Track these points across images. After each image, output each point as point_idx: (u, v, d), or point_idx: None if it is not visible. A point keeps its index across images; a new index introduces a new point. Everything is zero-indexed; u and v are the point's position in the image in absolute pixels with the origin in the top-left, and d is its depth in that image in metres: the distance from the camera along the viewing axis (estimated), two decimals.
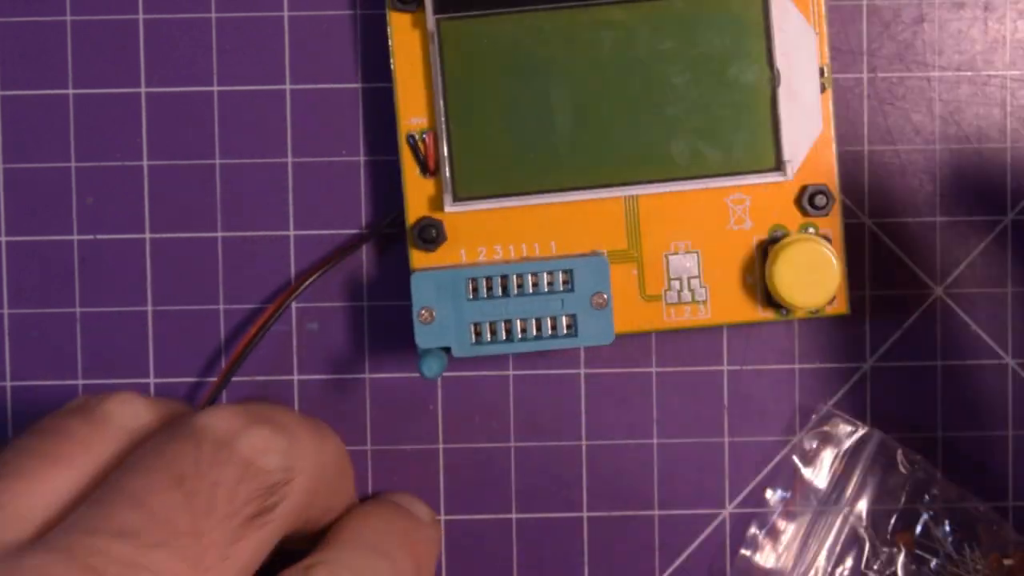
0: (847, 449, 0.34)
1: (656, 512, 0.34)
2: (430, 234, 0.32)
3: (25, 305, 0.34)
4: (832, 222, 0.33)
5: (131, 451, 0.27)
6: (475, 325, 0.31)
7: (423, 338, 0.31)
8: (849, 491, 0.34)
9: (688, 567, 0.34)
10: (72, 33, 0.34)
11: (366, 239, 0.34)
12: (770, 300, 0.33)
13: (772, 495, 0.34)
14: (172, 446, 0.27)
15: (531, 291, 0.31)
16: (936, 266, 0.34)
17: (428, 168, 0.32)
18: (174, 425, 0.28)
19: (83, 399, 0.29)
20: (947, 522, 0.34)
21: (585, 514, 0.34)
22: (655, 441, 0.34)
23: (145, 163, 0.34)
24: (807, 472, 0.34)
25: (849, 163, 0.34)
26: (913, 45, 0.34)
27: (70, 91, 0.34)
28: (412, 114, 0.32)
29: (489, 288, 0.31)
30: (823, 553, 0.34)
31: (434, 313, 0.31)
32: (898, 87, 0.34)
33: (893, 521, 0.34)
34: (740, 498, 0.34)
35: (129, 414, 0.28)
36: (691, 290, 0.33)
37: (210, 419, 0.28)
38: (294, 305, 0.34)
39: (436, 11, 0.32)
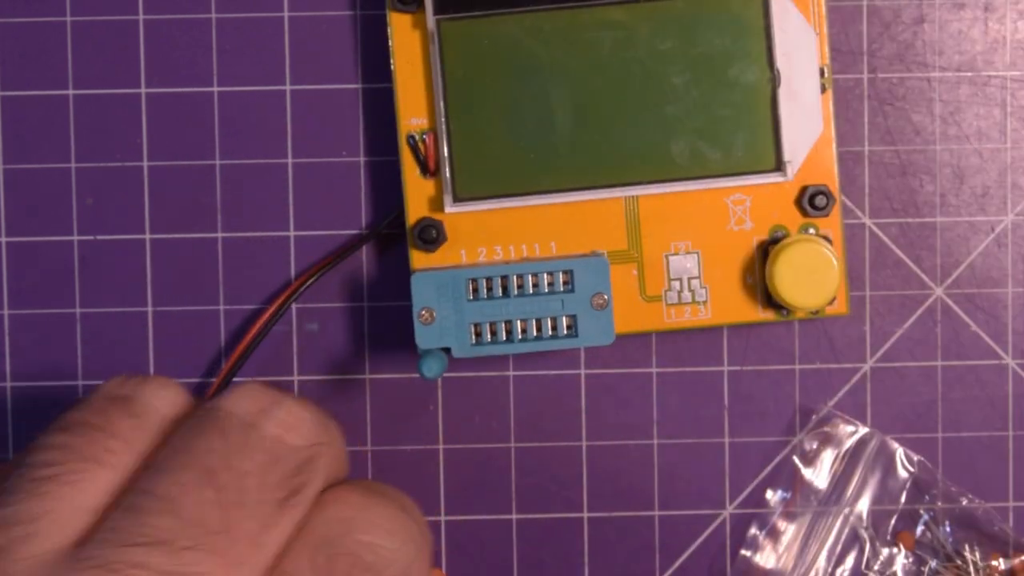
0: (847, 449, 0.34)
1: (656, 512, 0.34)
2: (430, 234, 0.32)
3: (25, 305, 0.34)
4: (832, 222, 0.33)
5: (164, 444, 0.27)
6: (475, 325, 0.31)
7: (423, 338, 0.31)
8: (849, 491, 0.34)
9: (688, 567, 0.35)
10: (72, 33, 0.34)
11: (366, 239, 0.34)
12: (770, 300, 0.33)
13: (772, 495, 0.34)
14: (200, 440, 0.27)
15: (531, 291, 0.31)
16: (936, 266, 0.34)
17: (428, 168, 0.32)
18: (200, 415, 0.28)
19: (120, 382, 0.29)
20: (947, 522, 0.34)
21: (585, 514, 0.34)
22: (655, 441, 0.34)
23: (145, 163, 0.34)
24: (807, 472, 0.34)
25: (849, 163, 0.34)
26: (913, 45, 0.34)
27: (70, 91, 0.34)
28: (412, 114, 0.32)
29: (489, 288, 0.31)
30: (823, 553, 0.34)
31: (434, 313, 0.31)
32: (898, 87, 0.34)
33: (893, 521, 0.34)
34: (740, 498, 0.34)
35: (169, 402, 0.28)
36: (691, 290, 0.33)
37: (236, 403, 0.27)
38: (294, 305, 0.34)
39: (436, 11, 0.32)
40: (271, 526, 0.26)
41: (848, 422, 0.34)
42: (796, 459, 0.34)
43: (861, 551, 0.34)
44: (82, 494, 0.26)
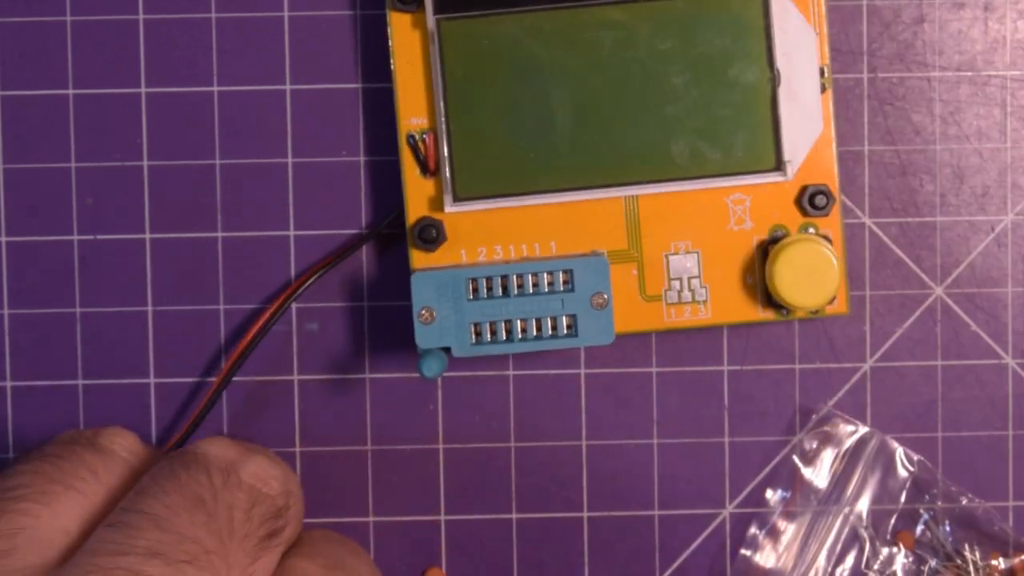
0: (847, 449, 0.34)
1: (656, 512, 0.34)
2: (430, 234, 0.32)
3: (25, 305, 0.34)
4: (832, 222, 0.33)
5: (138, 478, 0.28)
6: (475, 325, 0.31)
7: (423, 338, 0.31)
8: (849, 491, 0.34)
9: (688, 567, 0.35)
10: (72, 33, 0.34)
11: (366, 239, 0.34)
12: (770, 300, 0.33)
13: (772, 495, 0.34)
14: (184, 472, 0.27)
15: (531, 291, 0.31)
16: (936, 266, 0.34)
17: (428, 168, 0.32)
18: (177, 455, 0.28)
19: (77, 431, 0.30)
20: (947, 522, 0.34)
21: (585, 514, 0.34)
22: (655, 441, 0.34)
23: (145, 163, 0.34)
24: (807, 472, 0.34)
25: (849, 163, 0.34)
26: (913, 45, 0.34)
27: (70, 91, 0.34)
28: (412, 114, 0.32)
29: (489, 288, 0.31)
30: (823, 553, 0.34)
31: (434, 313, 0.31)
32: (898, 87, 0.34)
33: (893, 521, 0.34)
34: (740, 498, 0.34)
35: (126, 446, 0.30)
36: (691, 290, 0.33)
37: (211, 448, 0.28)
38: (294, 305, 0.34)
39: (436, 11, 0.32)
40: (257, 559, 0.27)
41: (848, 422, 0.34)
42: (796, 459, 0.34)
43: (861, 551, 0.34)
44: (55, 514, 0.27)
